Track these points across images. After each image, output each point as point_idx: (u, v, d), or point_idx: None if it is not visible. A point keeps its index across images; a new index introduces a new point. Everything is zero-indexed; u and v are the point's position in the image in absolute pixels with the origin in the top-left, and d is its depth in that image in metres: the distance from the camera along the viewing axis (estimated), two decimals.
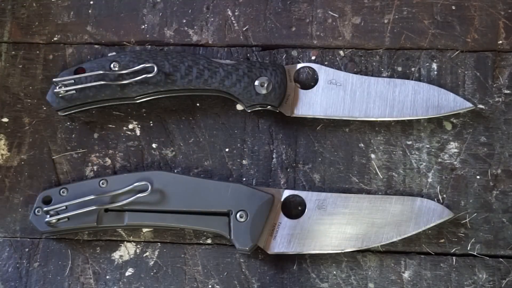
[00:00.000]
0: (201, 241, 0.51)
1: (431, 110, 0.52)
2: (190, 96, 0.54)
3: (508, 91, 0.53)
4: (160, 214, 0.50)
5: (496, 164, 0.52)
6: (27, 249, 0.52)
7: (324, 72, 0.54)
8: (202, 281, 0.50)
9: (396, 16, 0.55)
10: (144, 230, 0.52)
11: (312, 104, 0.53)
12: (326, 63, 0.55)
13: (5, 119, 0.55)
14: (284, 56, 0.55)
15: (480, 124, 0.53)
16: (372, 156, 0.52)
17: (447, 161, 0.52)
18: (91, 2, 0.57)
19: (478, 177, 0.51)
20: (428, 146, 0.52)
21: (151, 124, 0.54)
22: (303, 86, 0.53)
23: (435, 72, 0.54)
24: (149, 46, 0.56)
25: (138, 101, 0.54)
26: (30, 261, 0.51)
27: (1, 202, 0.53)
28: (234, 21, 0.56)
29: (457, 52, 0.54)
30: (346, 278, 0.50)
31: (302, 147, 0.53)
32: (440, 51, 0.54)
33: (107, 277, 0.51)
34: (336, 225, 0.50)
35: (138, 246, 0.51)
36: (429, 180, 0.51)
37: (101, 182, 0.51)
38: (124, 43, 0.56)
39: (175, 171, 0.53)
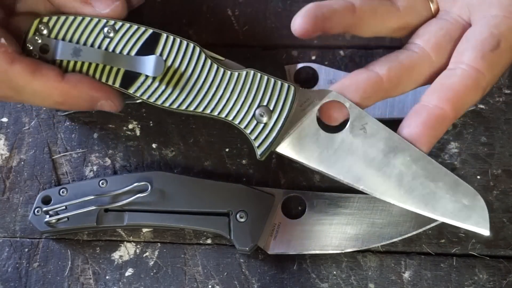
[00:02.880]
0: (201, 241, 0.51)
1: None
2: None
3: (509, 91, 0.53)
4: (160, 214, 0.50)
5: (497, 164, 0.52)
6: (26, 249, 0.52)
7: (324, 72, 0.54)
8: (202, 281, 0.50)
9: None
10: (144, 230, 0.52)
11: None
12: (326, 63, 0.54)
13: (4, 119, 0.55)
14: (284, 56, 0.55)
15: (480, 124, 0.53)
16: None
17: (448, 161, 0.52)
18: None
19: (478, 177, 0.51)
20: None
21: (151, 124, 0.54)
22: (303, 86, 0.53)
23: None
24: None
25: (138, 101, 0.54)
26: (30, 261, 0.51)
27: (0, 202, 0.53)
28: (234, 21, 0.56)
29: None
30: (346, 278, 0.50)
31: None
32: None
33: (107, 277, 0.51)
34: (336, 225, 0.50)
35: (138, 246, 0.51)
36: None
37: (100, 182, 0.51)
38: None
39: (175, 171, 0.53)
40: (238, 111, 0.43)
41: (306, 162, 0.43)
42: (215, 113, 0.43)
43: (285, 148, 0.43)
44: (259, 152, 0.42)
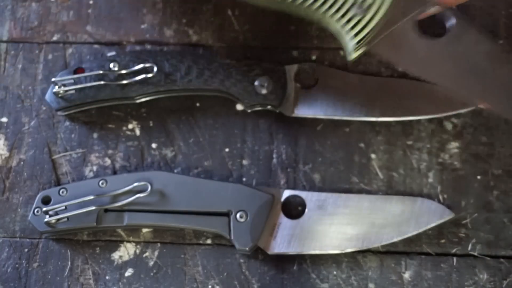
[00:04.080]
0: (201, 241, 0.51)
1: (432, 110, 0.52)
2: (190, 96, 0.54)
3: None
4: (160, 214, 0.50)
5: (497, 164, 0.52)
6: (26, 250, 0.51)
7: (324, 72, 0.54)
8: (202, 282, 0.50)
9: None
10: (144, 230, 0.51)
11: (313, 104, 0.52)
12: (326, 63, 0.54)
13: (4, 119, 0.55)
14: (284, 56, 0.55)
15: (480, 124, 0.52)
16: (373, 156, 0.52)
17: (448, 161, 0.52)
18: (91, 2, 0.57)
19: (478, 177, 0.51)
20: (428, 146, 0.52)
21: (151, 124, 0.54)
22: (303, 86, 0.53)
23: None
24: (149, 46, 0.56)
25: (137, 101, 0.54)
26: (30, 261, 0.51)
27: (0, 202, 0.53)
28: (234, 21, 0.56)
29: None
30: (346, 279, 0.50)
31: (302, 147, 0.53)
32: None
33: (107, 277, 0.51)
34: (336, 225, 0.50)
35: (138, 246, 0.51)
36: (430, 180, 0.51)
37: (100, 182, 0.51)
38: (124, 42, 0.56)
39: (175, 171, 0.53)
40: (334, 2, 0.41)
41: (400, 66, 0.41)
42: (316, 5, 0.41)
43: (380, 46, 0.41)
44: (351, 44, 0.41)
